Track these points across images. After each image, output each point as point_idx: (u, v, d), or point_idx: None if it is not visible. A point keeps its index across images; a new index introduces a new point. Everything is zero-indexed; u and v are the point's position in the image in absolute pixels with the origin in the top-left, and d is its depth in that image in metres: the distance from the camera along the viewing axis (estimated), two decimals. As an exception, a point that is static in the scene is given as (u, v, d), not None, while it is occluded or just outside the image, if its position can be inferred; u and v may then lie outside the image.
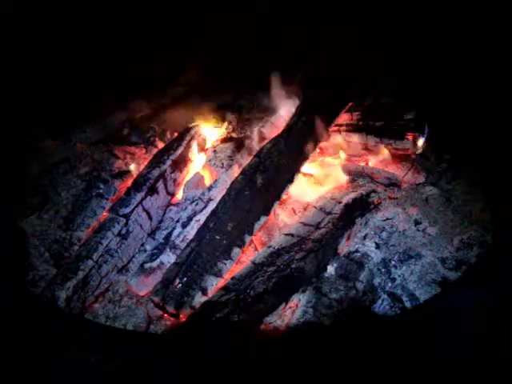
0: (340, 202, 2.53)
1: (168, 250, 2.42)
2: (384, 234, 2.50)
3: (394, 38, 3.11)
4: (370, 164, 2.96)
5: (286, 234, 2.37)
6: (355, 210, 2.51)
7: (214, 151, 3.11)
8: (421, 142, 2.91)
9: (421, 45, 3.00)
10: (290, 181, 2.64)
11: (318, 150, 2.92)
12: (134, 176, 2.79)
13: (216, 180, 2.72)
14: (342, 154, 2.99)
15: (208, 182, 2.85)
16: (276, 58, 3.38)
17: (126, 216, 2.48)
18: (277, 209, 2.59)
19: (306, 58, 3.30)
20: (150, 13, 3.42)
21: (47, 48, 3.08)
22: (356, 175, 2.80)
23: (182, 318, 2.11)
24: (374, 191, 2.65)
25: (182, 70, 3.86)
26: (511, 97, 2.59)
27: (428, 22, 2.93)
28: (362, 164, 2.96)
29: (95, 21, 3.28)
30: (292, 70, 3.24)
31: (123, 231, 2.45)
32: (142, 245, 2.56)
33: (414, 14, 2.98)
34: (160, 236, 2.58)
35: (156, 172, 2.68)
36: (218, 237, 2.31)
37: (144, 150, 3.19)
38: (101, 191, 2.81)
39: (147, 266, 2.37)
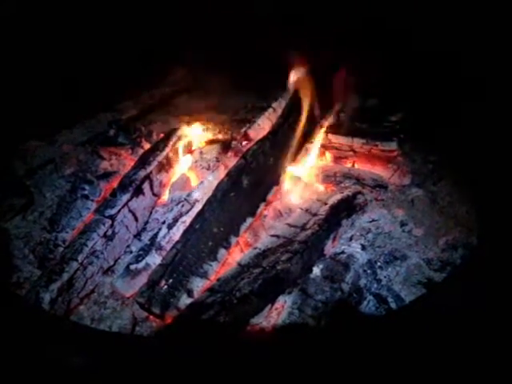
0: (326, 204, 2.53)
1: (154, 251, 2.40)
2: (370, 236, 2.51)
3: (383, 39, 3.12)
4: (356, 166, 2.97)
5: (272, 236, 2.37)
6: (341, 211, 2.52)
7: (201, 153, 3.10)
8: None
9: (407, 46, 3.01)
10: (276, 182, 2.65)
11: (304, 152, 2.93)
12: (120, 177, 2.76)
13: (202, 181, 2.71)
14: (329, 156, 3.00)
15: (194, 183, 2.84)
16: (266, 57, 3.39)
17: (112, 217, 2.45)
18: (263, 210, 2.60)
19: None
20: (136, 11, 3.41)
21: (34, 49, 3.06)
22: (342, 177, 2.81)
23: (168, 319, 2.10)
24: (360, 193, 2.67)
25: (169, 70, 3.86)
26: (497, 98, 2.61)
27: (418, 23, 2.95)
28: (349, 165, 2.97)
29: (87, 21, 3.26)
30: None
31: (109, 232, 2.43)
32: (128, 246, 2.55)
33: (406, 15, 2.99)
34: (146, 237, 2.56)
35: (142, 173, 2.66)
36: (203, 238, 2.30)
37: (130, 151, 3.17)
38: (86, 192, 2.78)
39: (133, 267, 2.35)
